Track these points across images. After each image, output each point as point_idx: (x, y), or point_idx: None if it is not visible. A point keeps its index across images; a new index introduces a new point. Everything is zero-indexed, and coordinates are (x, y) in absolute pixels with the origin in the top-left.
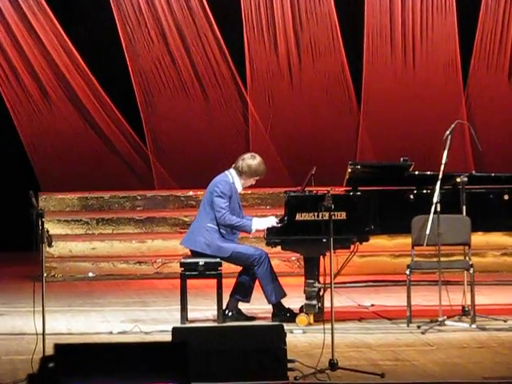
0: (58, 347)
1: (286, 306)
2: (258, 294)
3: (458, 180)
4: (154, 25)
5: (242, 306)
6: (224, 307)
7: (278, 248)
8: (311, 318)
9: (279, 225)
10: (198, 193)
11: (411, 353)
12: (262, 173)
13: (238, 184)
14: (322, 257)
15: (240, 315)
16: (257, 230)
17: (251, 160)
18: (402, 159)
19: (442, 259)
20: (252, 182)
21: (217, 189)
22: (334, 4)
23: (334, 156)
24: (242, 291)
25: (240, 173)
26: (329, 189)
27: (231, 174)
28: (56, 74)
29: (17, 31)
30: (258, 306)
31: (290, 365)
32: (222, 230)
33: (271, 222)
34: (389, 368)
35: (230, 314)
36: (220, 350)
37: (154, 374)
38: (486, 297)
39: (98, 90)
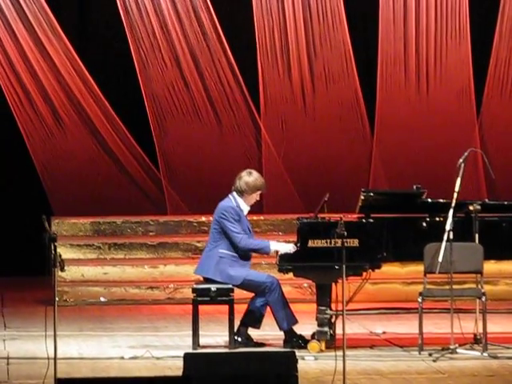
0: (60, 381)
1: (298, 333)
2: (269, 320)
3: (471, 208)
4: (168, 49)
5: (253, 332)
6: (234, 333)
7: (290, 274)
8: (323, 344)
9: (289, 250)
10: (211, 218)
11: (423, 380)
12: (262, 186)
13: (243, 205)
14: (334, 284)
15: (249, 341)
16: (274, 252)
17: (248, 177)
18: (414, 187)
19: (455, 287)
20: (256, 197)
21: (224, 216)
22: (348, 30)
23: (346, 183)
24: (253, 318)
25: (241, 192)
26: (341, 216)
27: (234, 197)
28: (69, 97)
29: (31, 55)
30: (269, 332)
31: None
32: (234, 257)
33: (289, 247)
34: None
35: (239, 339)
36: (232, 375)
37: None
38: (497, 325)
39: (111, 114)
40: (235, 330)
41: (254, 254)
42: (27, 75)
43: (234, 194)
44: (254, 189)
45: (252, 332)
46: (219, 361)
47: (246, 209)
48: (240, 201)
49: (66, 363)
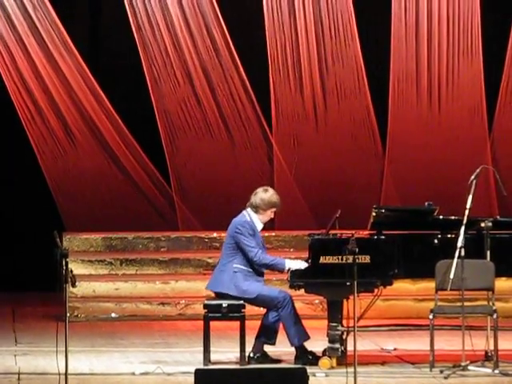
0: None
1: (309, 349)
2: (281, 337)
3: (483, 225)
4: (180, 66)
5: (267, 347)
6: (250, 350)
7: (302, 291)
8: (334, 361)
9: (303, 267)
10: (222, 234)
11: None
12: (277, 203)
13: (257, 221)
14: (345, 300)
15: (265, 358)
16: (289, 269)
17: (263, 193)
18: (426, 203)
19: (466, 304)
20: (270, 215)
21: (239, 231)
22: (360, 47)
23: (358, 199)
24: (267, 334)
25: (256, 208)
26: (353, 232)
27: (248, 213)
28: (81, 113)
29: (43, 70)
30: (281, 349)
31: None
32: (249, 272)
33: (304, 264)
34: None
35: (255, 356)
36: None
37: None
38: (509, 342)
39: (123, 130)
40: (250, 346)
41: (266, 270)
42: (39, 91)
43: (249, 210)
44: (269, 205)
45: (266, 348)
46: (230, 377)
47: (259, 226)
48: (254, 217)
49: (77, 379)
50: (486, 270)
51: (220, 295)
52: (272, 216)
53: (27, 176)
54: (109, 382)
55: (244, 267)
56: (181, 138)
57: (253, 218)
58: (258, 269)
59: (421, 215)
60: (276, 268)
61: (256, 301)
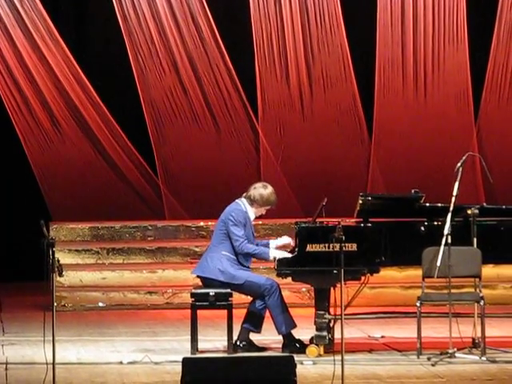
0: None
1: (297, 337)
2: (268, 325)
3: (469, 212)
4: (166, 55)
5: (253, 336)
6: (235, 338)
7: (289, 279)
8: (321, 349)
9: (290, 255)
10: (209, 223)
11: None
12: (273, 202)
13: (251, 212)
14: (332, 288)
15: (251, 346)
16: (274, 258)
17: (263, 189)
18: (412, 191)
19: (453, 291)
20: (263, 211)
21: (231, 218)
22: (346, 35)
23: (344, 187)
24: (253, 322)
25: (252, 202)
26: (340, 220)
27: (243, 203)
28: (67, 103)
29: (28, 60)
30: (268, 337)
31: None
32: (235, 261)
33: (286, 253)
34: None
35: (241, 344)
36: (230, 380)
37: None
38: (496, 329)
39: (110, 119)
40: (236, 335)
41: (252, 260)
42: (25, 81)
43: (244, 200)
44: (266, 202)
45: (252, 336)
46: (218, 365)
47: (252, 217)
48: (249, 208)
49: (65, 368)
50: (472, 257)
51: (207, 281)
52: (264, 213)
53: (14, 166)
54: (96, 371)
55: (232, 255)
56: (167, 127)
57: (247, 209)
58: (242, 262)
59: (407, 203)
60: (260, 258)
61: (243, 287)
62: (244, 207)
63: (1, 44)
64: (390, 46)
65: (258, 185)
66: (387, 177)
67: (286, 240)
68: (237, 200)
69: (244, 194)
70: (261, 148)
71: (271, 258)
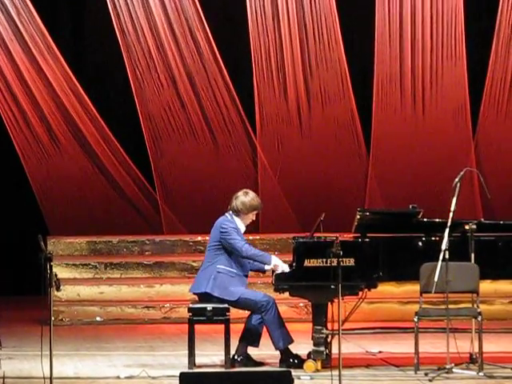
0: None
1: (294, 352)
2: (265, 340)
3: (467, 227)
4: (164, 70)
5: (250, 350)
6: (233, 352)
7: (286, 294)
8: (319, 364)
9: (287, 270)
10: (207, 238)
11: None
12: (258, 206)
13: (240, 224)
14: (329, 303)
15: (249, 360)
16: (275, 266)
17: (244, 197)
18: (410, 206)
19: (450, 306)
20: (252, 217)
21: (223, 229)
22: (344, 50)
23: (342, 202)
24: (251, 336)
25: (237, 212)
26: (337, 235)
27: (231, 216)
28: (65, 117)
29: (27, 75)
30: (265, 352)
31: None
32: (232, 273)
33: (287, 267)
34: None
35: (239, 359)
36: None
37: None
38: (493, 344)
39: (108, 134)
40: (235, 349)
41: (250, 273)
42: (23, 95)
43: (231, 213)
44: (250, 208)
45: (250, 351)
46: (215, 380)
47: (242, 228)
48: (237, 220)
49: (62, 383)
50: (470, 273)
51: (203, 296)
52: (254, 218)
53: (11, 180)
54: None
55: (227, 268)
56: (165, 142)
57: (236, 222)
58: (238, 272)
59: (405, 218)
60: (261, 261)
61: (239, 303)
62: (232, 220)
63: None
64: (388, 61)
65: (239, 193)
66: (385, 192)
67: (285, 267)
68: (225, 213)
69: (228, 207)
70: (259, 163)
71: (273, 263)
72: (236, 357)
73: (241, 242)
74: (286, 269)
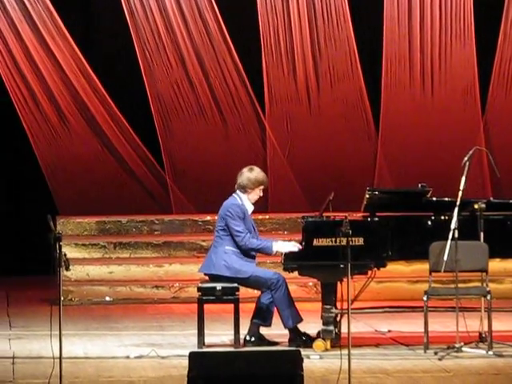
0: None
1: (303, 331)
2: (275, 319)
3: (476, 206)
4: (173, 49)
5: (263, 330)
6: (246, 333)
7: (296, 273)
8: (328, 343)
9: (297, 250)
10: (216, 217)
11: (428, 379)
12: (264, 181)
13: (247, 202)
14: (339, 282)
15: (262, 340)
16: (277, 252)
17: (249, 173)
18: (419, 185)
19: (460, 285)
20: (259, 193)
21: (228, 213)
22: (353, 30)
23: (351, 182)
24: (262, 316)
25: (243, 188)
26: (346, 214)
27: (238, 195)
28: (74, 97)
29: (35, 55)
30: (274, 331)
31: None
32: (240, 253)
33: (292, 247)
34: None
35: (251, 339)
36: (236, 374)
37: None
38: (503, 323)
39: (117, 114)
40: (244, 329)
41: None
42: (32, 76)
43: (238, 192)
44: (256, 183)
45: (261, 330)
46: (224, 360)
47: (250, 208)
48: (244, 198)
49: (72, 363)
50: (479, 252)
51: (213, 277)
52: (261, 194)
53: (21, 160)
54: (103, 365)
55: (235, 249)
56: (174, 122)
57: (243, 200)
58: (246, 253)
59: (414, 197)
60: (263, 252)
61: (249, 281)
62: (240, 200)
63: (8, 39)
64: (397, 40)
65: (244, 170)
66: (394, 171)
67: (293, 248)
68: (233, 194)
69: (235, 185)
70: (268, 142)
71: (274, 252)
72: (248, 337)
73: (241, 234)
74: (293, 247)
